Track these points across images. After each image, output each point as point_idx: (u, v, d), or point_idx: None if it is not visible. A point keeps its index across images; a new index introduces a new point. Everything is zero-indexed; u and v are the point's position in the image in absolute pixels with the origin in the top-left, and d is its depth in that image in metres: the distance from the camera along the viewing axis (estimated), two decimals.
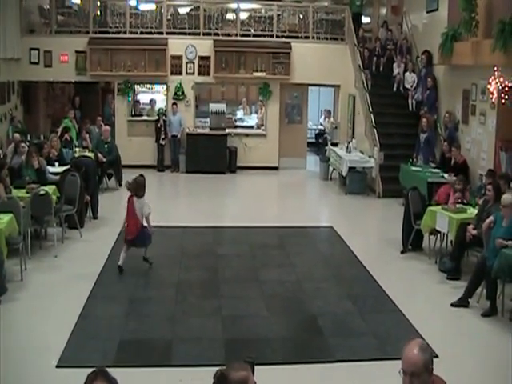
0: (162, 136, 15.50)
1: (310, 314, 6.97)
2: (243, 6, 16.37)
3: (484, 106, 10.82)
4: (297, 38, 16.10)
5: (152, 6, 16.03)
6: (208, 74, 15.89)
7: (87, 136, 13.74)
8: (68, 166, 10.46)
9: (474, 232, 7.77)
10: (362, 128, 14.78)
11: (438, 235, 8.89)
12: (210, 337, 6.28)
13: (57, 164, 10.83)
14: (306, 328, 6.70)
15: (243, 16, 16.36)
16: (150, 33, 15.80)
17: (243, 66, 15.99)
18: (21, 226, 7.82)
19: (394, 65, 14.49)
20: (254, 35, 16.12)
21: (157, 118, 15.68)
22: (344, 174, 13.62)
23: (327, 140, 16.87)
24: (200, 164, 15.33)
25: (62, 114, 15.74)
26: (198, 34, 15.91)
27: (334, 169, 14.90)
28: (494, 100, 10.24)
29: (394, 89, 14.39)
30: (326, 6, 17.79)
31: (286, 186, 15.30)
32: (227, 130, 15.87)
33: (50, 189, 9.11)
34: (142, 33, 15.80)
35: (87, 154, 12.38)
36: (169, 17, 15.96)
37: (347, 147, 14.15)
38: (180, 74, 15.82)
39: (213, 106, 15.78)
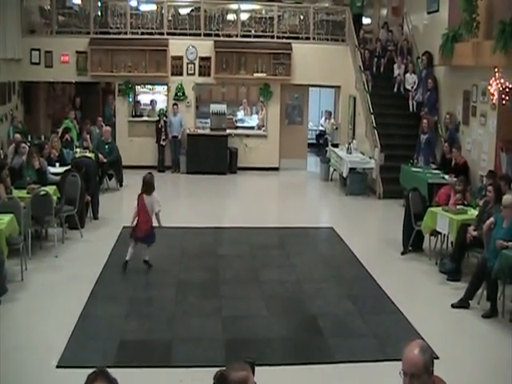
0: (163, 137, 15.51)
1: (310, 314, 6.98)
2: (244, 6, 16.38)
3: (484, 107, 10.81)
4: (297, 38, 16.10)
5: (153, 7, 16.04)
6: (209, 75, 15.90)
7: (88, 136, 13.75)
8: (69, 167, 10.46)
9: (475, 233, 7.77)
10: (362, 129, 14.78)
11: (439, 236, 8.89)
12: (210, 337, 6.28)
13: (57, 164, 10.83)
14: (306, 328, 6.71)
15: (244, 17, 16.38)
16: (151, 33, 15.82)
17: (244, 66, 16.00)
18: (21, 227, 7.83)
19: (395, 66, 14.49)
20: (255, 36, 16.13)
21: (157, 118, 15.69)
22: (344, 174, 13.62)
23: (328, 141, 16.85)
24: (200, 165, 15.34)
25: (62, 115, 15.74)
26: (199, 34, 15.92)
27: (334, 170, 14.91)
28: (494, 101, 10.25)
29: (395, 90, 14.39)
30: (326, 6, 17.81)
31: (286, 187, 15.30)
32: (228, 131, 15.88)
33: (51, 189, 9.12)
34: (142, 33, 15.81)
35: (88, 154, 12.38)
36: (169, 17, 15.96)
37: (348, 148, 14.15)
38: (181, 74, 15.83)
39: (213, 107, 15.79)
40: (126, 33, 15.71)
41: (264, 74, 15.98)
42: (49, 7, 15.74)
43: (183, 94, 15.87)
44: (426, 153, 12.43)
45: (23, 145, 10.50)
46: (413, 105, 13.83)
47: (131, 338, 6.24)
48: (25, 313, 6.73)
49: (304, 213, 12.33)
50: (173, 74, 15.80)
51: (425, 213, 8.88)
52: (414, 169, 11.92)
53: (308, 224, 11.06)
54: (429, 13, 13.60)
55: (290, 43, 15.94)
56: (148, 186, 8.14)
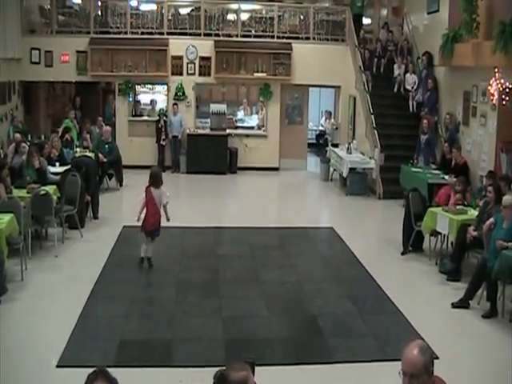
0: (163, 136, 15.50)
1: (310, 314, 6.98)
2: (244, 6, 16.38)
3: (485, 108, 10.81)
4: (297, 38, 16.10)
5: (153, 7, 16.04)
6: (209, 75, 15.90)
7: (88, 136, 13.75)
8: (69, 166, 10.46)
9: (475, 233, 7.77)
10: (362, 129, 14.78)
11: (439, 236, 8.90)
12: (210, 337, 6.28)
13: (57, 164, 10.84)
14: (306, 328, 6.71)
15: (244, 17, 16.38)
16: (151, 33, 15.82)
17: (244, 66, 16.00)
18: (21, 226, 7.83)
19: (395, 66, 14.49)
20: (255, 36, 16.13)
21: (157, 118, 15.69)
22: (344, 175, 13.62)
23: (328, 141, 16.85)
24: (200, 164, 15.34)
25: (62, 114, 15.74)
26: (199, 34, 15.92)
27: (334, 170, 14.91)
28: (494, 101, 10.25)
29: (395, 90, 14.39)
30: (326, 6, 17.81)
31: (286, 187, 15.31)
32: (228, 131, 15.88)
33: (51, 189, 9.12)
34: (142, 33, 15.81)
35: (88, 154, 12.37)
36: (170, 17, 15.96)
37: (348, 148, 14.15)
38: (181, 74, 15.83)
39: (213, 107, 15.79)
40: (126, 32, 15.71)
41: (264, 74, 15.98)
42: (49, 7, 15.73)
43: (183, 93, 15.87)
44: (426, 153, 12.43)
45: (23, 144, 10.50)
46: (413, 105, 13.83)
47: (131, 338, 6.24)
48: (25, 312, 6.73)
49: (304, 213, 12.33)
50: (173, 74, 15.80)
51: (425, 213, 8.88)
52: (414, 169, 11.92)
53: (308, 224, 11.07)
54: (429, 13, 13.60)
55: (290, 43, 15.94)
56: (155, 179, 8.18)
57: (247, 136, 16.33)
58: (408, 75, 14.08)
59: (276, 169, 16.33)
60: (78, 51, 15.40)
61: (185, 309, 7.06)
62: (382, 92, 14.53)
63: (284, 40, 16.03)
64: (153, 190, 8.14)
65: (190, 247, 9.51)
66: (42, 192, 8.73)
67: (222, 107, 15.86)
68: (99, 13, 16.04)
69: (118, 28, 15.71)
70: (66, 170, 10.07)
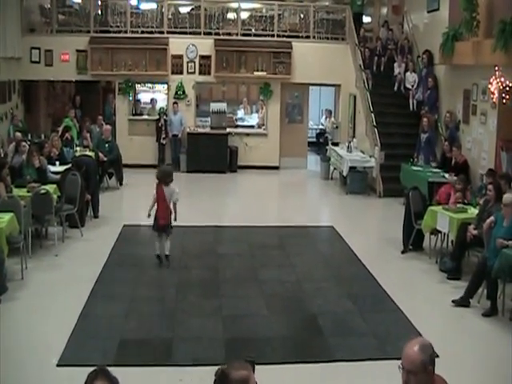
0: (163, 135, 15.51)
1: (310, 313, 6.97)
2: (244, 5, 16.36)
3: (485, 106, 10.81)
4: (298, 37, 16.10)
5: (153, 6, 16.05)
6: (209, 74, 15.90)
7: (88, 135, 13.76)
8: (69, 165, 10.47)
9: (475, 232, 7.77)
10: (362, 128, 14.78)
11: (439, 235, 8.89)
12: (210, 336, 6.28)
13: (57, 163, 10.84)
14: (306, 327, 6.71)
15: (244, 15, 16.37)
16: (151, 32, 15.81)
17: (244, 65, 15.99)
18: (21, 225, 7.83)
19: (395, 64, 14.48)
20: (255, 35, 16.13)
21: (158, 117, 15.69)
22: (345, 173, 13.62)
23: (328, 139, 16.86)
24: (201, 163, 15.34)
25: (62, 113, 15.74)
26: (199, 33, 15.91)
27: (334, 168, 14.90)
28: (494, 100, 10.24)
29: (395, 88, 14.39)
30: (326, 5, 17.81)
31: (286, 186, 15.30)
32: (228, 130, 15.87)
33: (51, 188, 9.12)
34: (142, 32, 15.80)
35: (88, 153, 12.39)
36: (170, 16, 15.96)
37: (348, 147, 14.15)
38: (181, 73, 15.82)
39: (213, 106, 15.78)
40: (126, 31, 15.71)
41: (264, 73, 15.98)
42: (49, 6, 15.74)
43: (183, 92, 15.86)
44: (426, 151, 12.43)
45: (23, 143, 10.50)
46: (413, 103, 13.83)
47: (131, 337, 6.24)
48: (25, 311, 6.73)
49: (304, 211, 12.34)
50: (173, 73, 15.79)
51: (425, 211, 8.87)
52: (415, 167, 11.92)
53: (308, 223, 11.07)
54: (429, 11, 13.59)
55: (290, 42, 15.93)
56: (165, 176, 8.26)
57: (247, 135, 16.33)
58: (408, 74, 14.07)
59: (276, 167, 16.32)
60: (78, 50, 15.40)
61: (185, 308, 7.05)
62: (382, 90, 14.53)
63: (284, 39, 16.03)
64: (164, 188, 8.21)
65: (189, 246, 9.50)
66: (42, 191, 8.73)
67: (222, 106, 15.86)
68: (99, 12, 16.05)
69: (118, 27, 15.71)
70: (66, 169, 10.07)
